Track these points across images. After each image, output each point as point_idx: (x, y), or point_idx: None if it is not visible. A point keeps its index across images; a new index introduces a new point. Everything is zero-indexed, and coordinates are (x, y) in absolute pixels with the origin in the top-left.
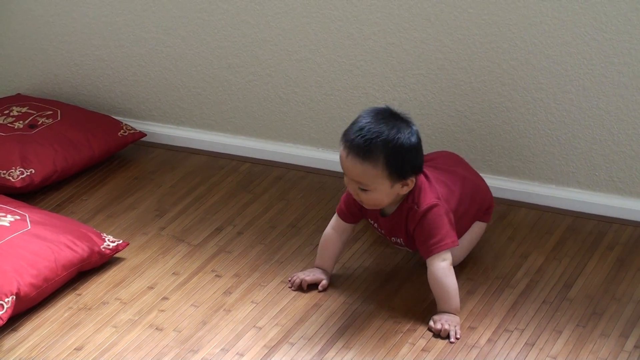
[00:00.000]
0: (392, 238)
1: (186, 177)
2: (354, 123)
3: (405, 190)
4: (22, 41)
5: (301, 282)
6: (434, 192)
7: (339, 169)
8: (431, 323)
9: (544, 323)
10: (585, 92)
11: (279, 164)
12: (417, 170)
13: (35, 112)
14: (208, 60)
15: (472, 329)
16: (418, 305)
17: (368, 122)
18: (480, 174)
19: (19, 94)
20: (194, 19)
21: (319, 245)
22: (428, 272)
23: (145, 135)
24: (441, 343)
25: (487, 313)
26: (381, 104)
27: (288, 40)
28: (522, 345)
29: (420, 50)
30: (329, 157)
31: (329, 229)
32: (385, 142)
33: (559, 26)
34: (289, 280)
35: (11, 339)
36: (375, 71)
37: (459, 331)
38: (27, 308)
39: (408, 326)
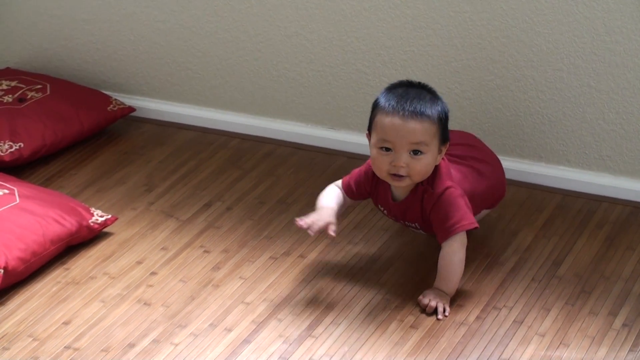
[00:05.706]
0: (406, 223)
1: (175, 152)
2: (388, 96)
3: (438, 160)
4: (11, 15)
5: (312, 225)
6: (449, 177)
7: (328, 145)
8: (420, 297)
9: (533, 301)
10: (576, 70)
11: (269, 140)
12: (448, 139)
13: (24, 86)
14: (198, 35)
15: (460, 306)
16: (407, 283)
17: (405, 90)
18: None
19: (8, 67)
20: None
21: (322, 195)
22: (443, 252)
23: (135, 110)
24: (429, 320)
25: (475, 290)
26: (372, 82)
27: (278, 15)
28: (510, 323)
29: (411, 27)
30: (319, 134)
31: (333, 186)
32: (434, 100)
33: (551, 3)
34: (300, 223)
35: None
36: (366, 48)
37: (447, 308)
38: (14, 282)
39: (397, 303)
